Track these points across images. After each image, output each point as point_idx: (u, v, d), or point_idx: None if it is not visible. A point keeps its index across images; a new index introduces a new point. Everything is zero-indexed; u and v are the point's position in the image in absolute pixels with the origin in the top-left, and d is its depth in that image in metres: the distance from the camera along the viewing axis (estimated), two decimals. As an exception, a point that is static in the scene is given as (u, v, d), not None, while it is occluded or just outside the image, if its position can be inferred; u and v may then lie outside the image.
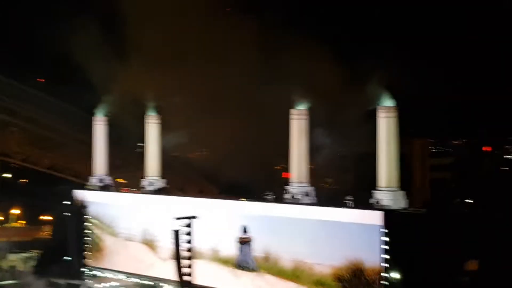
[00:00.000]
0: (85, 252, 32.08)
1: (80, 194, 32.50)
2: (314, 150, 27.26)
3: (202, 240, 26.18)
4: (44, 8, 37.52)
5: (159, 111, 31.08)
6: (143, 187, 31.19)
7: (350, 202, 24.31)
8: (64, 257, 32.27)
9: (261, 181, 29.92)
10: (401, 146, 24.76)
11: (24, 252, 36.26)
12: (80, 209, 32.03)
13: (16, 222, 43.08)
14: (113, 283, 30.91)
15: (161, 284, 28.68)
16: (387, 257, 22.58)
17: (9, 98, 36.72)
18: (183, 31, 30.38)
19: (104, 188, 32.56)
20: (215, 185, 37.15)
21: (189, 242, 24.40)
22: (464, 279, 22.94)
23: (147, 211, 29.85)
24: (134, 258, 30.06)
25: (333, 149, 30.85)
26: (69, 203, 32.32)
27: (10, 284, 33.98)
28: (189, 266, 24.46)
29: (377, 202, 24.02)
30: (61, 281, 31.95)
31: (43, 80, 43.19)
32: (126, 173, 36.17)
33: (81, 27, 31.63)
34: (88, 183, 33.28)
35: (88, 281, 31.92)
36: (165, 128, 31.43)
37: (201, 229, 25.38)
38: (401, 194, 24.33)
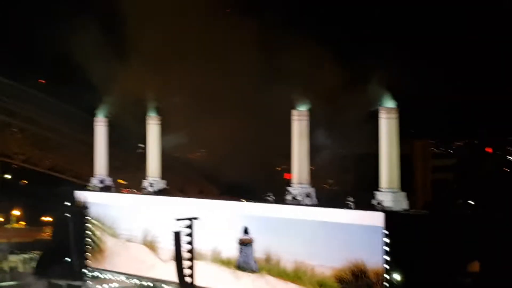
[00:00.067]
0: (86, 253, 32.05)
1: (80, 195, 32.47)
2: (315, 151, 27.22)
3: (203, 241, 26.14)
4: (44, 8, 37.47)
5: (160, 111, 31.05)
6: (144, 188, 31.16)
7: (351, 203, 24.27)
8: (65, 258, 32.23)
9: (262, 182, 29.88)
10: (402, 147, 24.73)
11: (25, 253, 36.24)
12: (80, 210, 32.00)
13: (16, 223, 43.08)
14: (114, 285, 30.87)
15: (162, 285, 28.63)
16: (389, 258, 22.54)
17: (9, 98, 36.67)
18: (183, 32, 30.36)
19: (105, 189, 32.52)
20: (216, 186, 37.13)
21: (190, 243, 24.37)
22: (466, 281, 22.90)
23: (148, 212, 29.82)
24: (135, 259, 30.02)
25: (334, 150, 30.83)
26: (69, 204, 32.28)
27: (10, 285, 33.96)
28: (190, 267, 24.43)
29: (379, 203, 23.98)
30: (62, 282, 31.91)
31: (44, 81, 43.18)
32: (127, 174, 36.14)
33: (81, 27, 31.59)
34: (88, 184, 33.25)
35: (89, 282, 31.88)
36: (166, 129, 31.39)
37: (202, 230, 25.36)
38: (402, 195, 24.28)
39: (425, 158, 38.19)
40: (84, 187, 33.73)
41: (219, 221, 26.92)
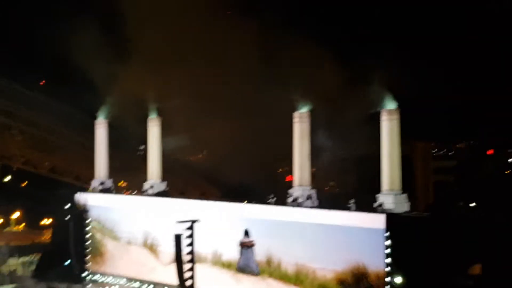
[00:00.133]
0: (86, 256, 31.93)
1: (81, 198, 32.36)
2: (316, 153, 27.15)
3: (203, 244, 26.05)
4: (44, 8, 37.35)
5: (161, 113, 30.97)
6: (144, 190, 31.06)
7: (353, 205, 24.19)
8: (65, 262, 32.11)
9: (263, 184, 29.80)
10: (403, 149, 24.67)
11: (24, 256, 36.12)
12: (81, 212, 31.89)
13: (16, 225, 42.95)
14: (114, 288, 30.78)
15: (162, 288, 28.55)
16: (390, 261, 22.45)
17: (8, 100, 36.58)
18: (184, 33, 30.30)
19: (105, 191, 32.41)
20: (216, 188, 37.03)
21: (190, 246, 24.27)
22: (467, 283, 22.82)
23: (148, 215, 29.72)
24: (135, 262, 29.92)
25: (336, 151, 30.75)
26: (70, 206, 32.17)
27: (10, 289, 33.85)
28: (191, 270, 24.33)
29: (380, 206, 23.91)
30: (62, 286, 31.78)
31: (43, 82, 43.07)
32: (128, 176, 36.03)
33: (81, 27, 31.50)
34: (89, 187, 33.15)
35: (89, 286, 31.77)
36: (167, 131, 31.31)
37: (203, 233, 25.25)
38: (403, 197, 24.22)
39: (427, 160, 38.14)
40: (84, 189, 33.63)
41: (220, 223, 26.83)
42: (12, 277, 34.61)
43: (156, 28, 30.80)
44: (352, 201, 24.14)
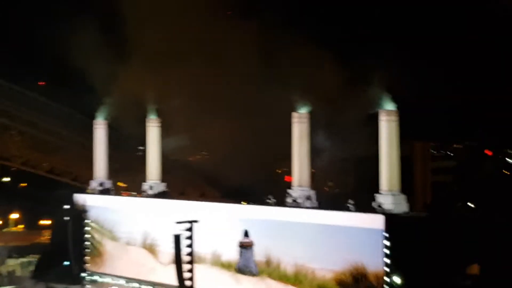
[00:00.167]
0: (85, 257, 31.92)
1: (80, 198, 32.35)
2: (315, 154, 27.19)
3: (203, 245, 26.05)
4: (44, 8, 37.33)
5: (160, 113, 30.99)
6: (144, 191, 31.06)
7: (352, 205, 24.23)
8: (64, 262, 32.09)
9: (263, 185, 29.83)
10: (402, 149, 24.71)
11: (23, 257, 36.10)
12: (80, 213, 31.88)
13: (15, 226, 42.93)
14: (113, 288, 30.77)
15: (161, 289, 28.55)
16: (389, 261, 22.49)
17: (7, 100, 36.56)
18: (183, 33, 30.32)
19: (104, 192, 32.42)
20: (216, 189, 37.04)
21: (190, 246, 24.27)
22: (466, 283, 22.87)
23: (147, 215, 29.73)
24: (135, 262, 29.93)
25: (335, 152, 30.78)
26: (68, 207, 32.16)
27: (8, 289, 33.85)
28: (190, 271, 24.34)
29: (379, 206, 23.95)
30: (61, 286, 31.80)
31: (43, 83, 43.06)
32: (127, 177, 36.02)
33: (81, 27, 31.51)
34: (88, 187, 33.14)
35: (88, 286, 31.77)
36: (166, 131, 31.32)
37: (202, 233, 25.26)
38: (402, 197, 24.27)
39: (426, 160, 38.19)
40: (83, 190, 33.61)
41: (219, 224, 26.85)
42: (11, 277, 34.61)
43: (155, 28, 30.82)
44: (351, 201, 24.17)
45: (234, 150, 31.17)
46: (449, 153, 44.24)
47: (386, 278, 22.53)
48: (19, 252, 36.40)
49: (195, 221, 24.46)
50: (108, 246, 31.30)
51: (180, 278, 24.29)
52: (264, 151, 31.27)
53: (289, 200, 25.86)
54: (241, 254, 26.19)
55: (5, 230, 42.16)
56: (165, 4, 31.31)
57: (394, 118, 24.36)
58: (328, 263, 23.63)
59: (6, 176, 45.83)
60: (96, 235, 31.77)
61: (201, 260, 26.53)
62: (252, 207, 26.84)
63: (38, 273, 33.32)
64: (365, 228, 23.15)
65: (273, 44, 29.02)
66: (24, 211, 42.37)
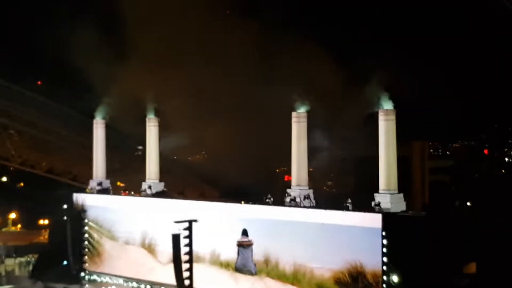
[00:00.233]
0: (84, 256, 31.93)
1: (78, 198, 32.37)
2: (314, 153, 27.23)
3: (201, 244, 26.08)
4: (44, 8, 37.34)
5: (159, 113, 31.01)
6: (142, 191, 31.09)
7: (350, 205, 24.28)
8: (62, 262, 32.09)
9: (262, 184, 29.85)
10: (400, 148, 24.76)
11: (22, 257, 36.07)
12: (79, 213, 31.89)
13: (13, 226, 42.90)
14: (112, 288, 30.78)
15: (160, 288, 28.57)
16: (387, 260, 22.54)
17: (6, 100, 36.56)
18: (182, 33, 30.35)
19: (103, 191, 32.43)
20: (214, 188, 37.06)
21: (188, 246, 24.32)
22: (464, 282, 22.92)
23: (146, 215, 29.74)
24: (134, 262, 29.93)
25: (333, 151, 30.82)
26: (67, 206, 32.17)
27: (7, 289, 33.82)
28: (189, 270, 24.38)
29: (377, 205, 24.00)
30: (59, 286, 31.78)
31: (40, 82, 43.04)
32: (126, 176, 36.04)
33: (81, 28, 31.53)
34: (87, 187, 33.14)
35: (87, 286, 31.77)
36: (165, 131, 31.33)
37: (201, 233, 25.30)
38: (400, 197, 24.32)
39: (424, 159, 38.23)
40: (82, 190, 33.61)
41: (218, 223, 26.88)
42: (9, 277, 34.58)
43: (155, 28, 30.85)
44: (349, 200, 24.22)
45: (233, 150, 31.22)
46: (447, 152, 44.35)
47: (384, 277, 22.58)
48: (18, 251, 36.36)
49: (194, 221, 24.53)
50: (107, 245, 31.31)
51: (179, 278, 24.35)
52: (263, 150, 31.31)
53: (287, 199, 25.90)
54: (240, 253, 26.23)
55: (4, 229, 42.09)
56: (165, 4, 31.34)
57: (393, 118, 24.41)
58: (327, 262, 23.69)
59: (5, 176, 45.77)
60: (95, 235, 31.78)
61: (200, 260, 26.55)
62: (250, 206, 26.86)
63: (37, 273, 33.32)
64: (363, 227, 23.22)
65: (273, 44, 29.06)
66: (23, 210, 42.31)
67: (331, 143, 30.10)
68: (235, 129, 30.77)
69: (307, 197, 25.67)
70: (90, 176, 32.93)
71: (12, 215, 42.76)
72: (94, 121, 32.86)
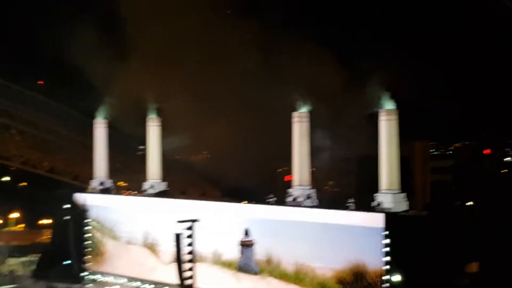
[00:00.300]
0: (86, 256, 31.99)
1: (80, 198, 32.41)
2: (315, 153, 27.28)
3: (204, 243, 26.14)
4: (44, 8, 37.39)
5: (161, 113, 31.07)
6: (144, 190, 31.14)
7: (352, 204, 24.36)
8: (64, 261, 32.15)
9: (264, 184, 29.94)
10: (402, 148, 24.84)
11: (24, 256, 36.13)
12: (80, 212, 31.93)
13: (15, 225, 42.95)
14: (115, 287, 30.82)
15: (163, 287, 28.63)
16: (389, 259, 22.63)
17: (7, 100, 36.59)
18: (184, 33, 30.41)
19: (105, 191, 32.48)
20: (216, 188, 37.12)
21: (190, 245, 24.37)
22: (465, 282, 22.99)
23: (148, 215, 29.80)
24: (136, 262, 29.97)
25: (335, 151, 30.89)
26: (69, 206, 32.22)
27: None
28: (191, 270, 24.43)
29: (379, 205, 24.08)
30: (61, 286, 31.81)
31: (42, 82, 43.08)
32: (127, 176, 36.08)
33: (81, 27, 31.56)
34: (88, 186, 33.19)
35: (89, 285, 31.83)
36: (167, 131, 31.39)
37: (203, 232, 25.36)
38: (402, 196, 24.40)
39: (425, 159, 38.32)
40: (83, 190, 33.66)
41: (220, 223, 26.94)
42: (12, 276, 34.63)
43: (155, 28, 30.90)
44: (351, 200, 24.30)
45: (234, 149, 31.26)
46: (448, 152, 44.42)
47: (386, 276, 22.66)
48: (20, 251, 36.42)
49: (196, 220, 24.56)
50: (108, 245, 31.34)
51: (181, 277, 24.38)
52: (264, 150, 31.37)
53: (289, 199, 25.97)
54: (242, 252, 26.30)
55: (5, 229, 42.15)
56: (166, 4, 31.39)
57: (394, 118, 24.48)
58: (329, 262, 23.74)
59: (7, 176, 45.80)
60: (97, 234, 31.82)
61: (202, 259, 26.59)
62: (252, 206, 26.92)
63: (39, 272, 33.34)
64: (365, 226, 23.28)
65: (273, 44, 29.13)
66: (25, 210, 42.37)
67: (333, 143, 30.16)
68: (237, 129, 30.82)
69: (309, 196, 25.74)
70: (91, 175, 32.98)
71: (14, 215, 42.81)
72: (95, 121, 32.91)
